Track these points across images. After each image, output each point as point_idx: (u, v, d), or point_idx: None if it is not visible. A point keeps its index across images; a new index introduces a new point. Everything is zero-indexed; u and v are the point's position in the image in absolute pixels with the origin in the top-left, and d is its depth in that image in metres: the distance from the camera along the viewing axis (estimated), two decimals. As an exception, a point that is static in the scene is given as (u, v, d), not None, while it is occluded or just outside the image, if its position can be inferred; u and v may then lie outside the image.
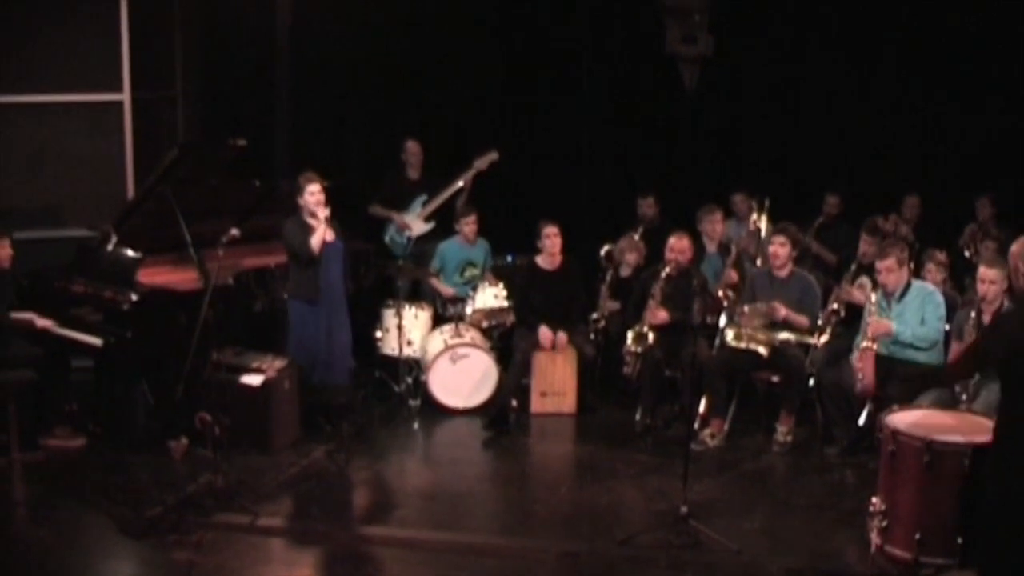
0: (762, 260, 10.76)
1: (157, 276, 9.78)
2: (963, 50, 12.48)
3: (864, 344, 9.07)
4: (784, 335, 9.65)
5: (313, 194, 9.44)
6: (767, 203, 11.20)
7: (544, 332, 10.44)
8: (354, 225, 10.34)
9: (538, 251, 10.73)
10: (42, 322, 9.30)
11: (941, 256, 9.89)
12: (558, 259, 10.65)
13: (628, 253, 11.24)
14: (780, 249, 9.85)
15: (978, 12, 12.26)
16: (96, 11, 11.17)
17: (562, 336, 10.47)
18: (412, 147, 12.12)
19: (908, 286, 9.31)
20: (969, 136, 12.63)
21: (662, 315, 10.00)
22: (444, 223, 11.92)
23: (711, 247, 11.04)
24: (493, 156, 11.81)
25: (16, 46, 10.99)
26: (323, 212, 9.40)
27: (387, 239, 12.05)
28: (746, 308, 9.75)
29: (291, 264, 9.73)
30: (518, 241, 11.29)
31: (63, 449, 9.44)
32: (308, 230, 9.44)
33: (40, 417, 9.41)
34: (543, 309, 10.56)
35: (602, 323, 11.08)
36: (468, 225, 11.38)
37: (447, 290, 11.32)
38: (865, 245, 10.40)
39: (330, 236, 9.49)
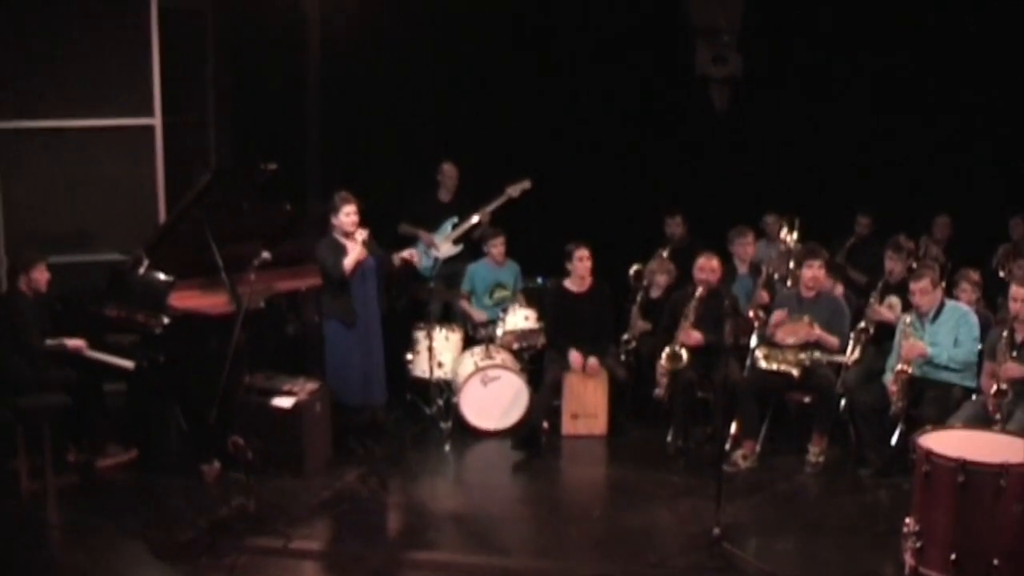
0: (792, 281, 10.73)
1: (189, 300, 9.80)
2: (997, 69, 12.45)
3: (899, 367, 9.04)
4: (814, 355, 9.63)
5: (349, 214, 9.49)
6: (797, 223, 11.19)
7: (574, 356, 10.44)
8: (385, 247, 10.32)
9: (567, 273, 10.72)
10: (72, 343, 9.35)
11: (974, 275, 9.85)
12: (588, 282, 10.64)
13: (659, 275, 11.23)
14: (818, 272, 9.84)
15: (1012, 30, 12.23)
16: (127, 36, 11.19)
17: (593, 361, 10.43)
18: (448, 169, 12.12)
19: (942, 307, 9.29)
20: (1001, 155, 12.59)
21: (696, 336, 9.99)
22: (472, 246, 11.94)
23: (742, 268, 11.02)
24: (526, 184, 11.76)
25: (47, 71, 11.03)
26: (360, 234, 9.43)
27: (414, 260, 12.04)
28: (779, 321, 9.72)
29: (326, 284, 9.74)
30: (549, 263, 11.28)
31: (119, 466, 9.58)
32: (341, 250, 9.46)
33: (79, 441, 9.50)
34: (573, 332, 10.54)
35: (633, 344, 11.07)
36: (496, 247, 11.38)
37: (479, 315, 11.30)
38: (891, 263, 10.36)
39: (363, 256, 9.51)
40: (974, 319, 9.25)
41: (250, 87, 12.59)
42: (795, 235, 11.16)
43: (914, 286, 9.27)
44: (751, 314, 10.18)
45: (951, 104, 12.66)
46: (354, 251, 9.45)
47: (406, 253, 10.40)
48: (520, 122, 13.05)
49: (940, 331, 9.21)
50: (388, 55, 12.83)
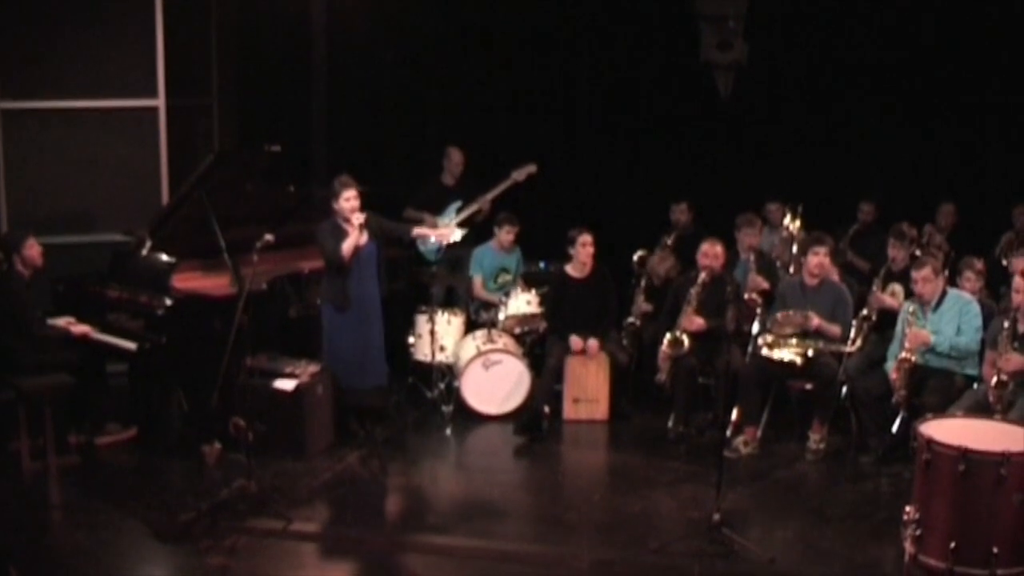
0: (795, 268, 10.73)
1: (191, 281, 9.83)
2: (999, 57, 12.42)
3: (902, 355, 9.04)
4: (818, 344, 9.62)
5: (348, 199, 9.42)
6: (800, 209, 11.18)
7: (575, 340, 10.43)
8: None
9: (569, 258, 10.72)
10: (78, 328, 9.36)
11: (979, 264, 9.83)
12: (589, 267, 10.63)
13: (660, 267, 11.22)
14: (824, 259, 9.83)
15: (1018, 17, 12.20)
16: (131, 17, 11.19)
17: (593, 342, 10.43)
18: (454, 155, 12.10)
19: (944, 295, 9.28)
20: (1005, 144, 12.56)
21: (699, 322, 9.99)
22: (476, 230, 11.93)
23: (745, 256, 10.99)
24: (531, 168, 11.79)
25: (51, 52, 11.03)
26: (358, 219, 9.41)
27: (419, 243, 12.04)
28: (779, 316, 9.73)
29: (325, 268, 9.75)
30: (551, 248, 11.27)
31: (117, 444, 9.61)
32: (341, 235, 9.45)
33: (80, 421, 9.51)
34: (574, 318, 10.54)
35: (637, 324, 11.05)
36: (508, 234, 11.35)
37: (495, 299, 11.28)
38: (894, 251, 10.35)
39: (363, 240, 9.49)
40: (976, 308, 9.25)
41: (255, 69, 12.57)
42: (798, 222, 11.16)
43: (916, 274, 9.27)
44: (745, 297, 10.14)
45: (956, 92, 12.62)
46: (352, 236, 9.41)
47: (431, 233, 10.44)
48: (525, 107, 13.04)
49: (942, 319, 9.21)
50: (394, 37, 12.81)
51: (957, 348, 9.09)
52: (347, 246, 9.38)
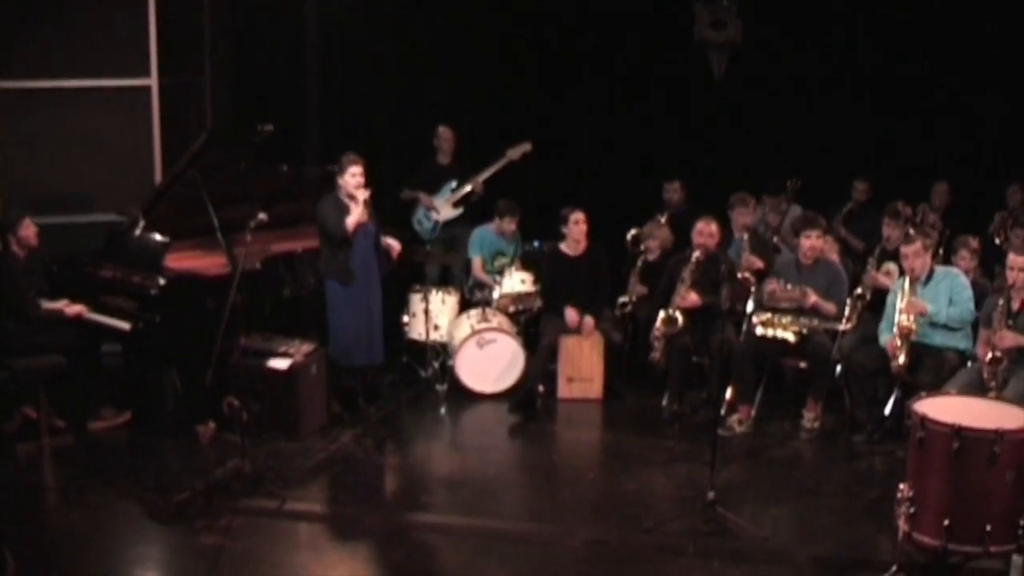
0: (782, 240, 10.79)
1: (185, 261, 9.81)
2: (994, 36, 12.40)
3: (903, 323, 9.01)
4: (812, 322, 9.62)
5: (355, 175, 9.50)
6: (799, 184, 11.22)
7: (570, 313, 10.42)
8: (385, 211, 10.30)
9: (562, 237, 10.70)
10: (72, 309, 9.34)
11: (974, 243, 9.84)
12: (583, 245, 10.61)
13: (651, 239, 11.20)
14: (816, 242, 9.81)
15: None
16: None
17: (588, 321, 10.43)
18: (444, 132, 12.13)
19: (931, 272, 9.28)
20: (999, 123, 12.55)
21: (693, 298, 9.97)
22: (471, 209, 11.92)
23: (738, 234, 10.99)
24: (526, 147, 11.79)
25: (44, 31, 11.01)
26: (363, 194, 9.45)
27: (415, 222, 12.06)
28: (776, 289, 9.71)
29: (324, 244, 9.75)
30: (546, 227, 11.25)
31: (112, 428, 9.57)
32: (344, 210, 9.49)
33: (75, 402, 9.49)
34: (569, 295, 10.52)
35: (630, 307, 11.04)
36: (510, 224, 11.34)
37: (491, 281, 11.26)
38: (889, 229, 10.34)
39: (364, 218, 9.52)
40: (964, 279, 9.28)
41: (248, 48, 12.53)
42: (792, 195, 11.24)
43: (905, 249, 9.26)
44: (739, 276, 10.12)
45: (950, 72, 12.59)
46: (355, 212, 9.45)
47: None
48: (520, 85, 13.00)
49: (932, 294, 9.21)
50: (388, 17, 12.76)
51: (953, 318, 9.10)
52: (351, 221, 9.46)
